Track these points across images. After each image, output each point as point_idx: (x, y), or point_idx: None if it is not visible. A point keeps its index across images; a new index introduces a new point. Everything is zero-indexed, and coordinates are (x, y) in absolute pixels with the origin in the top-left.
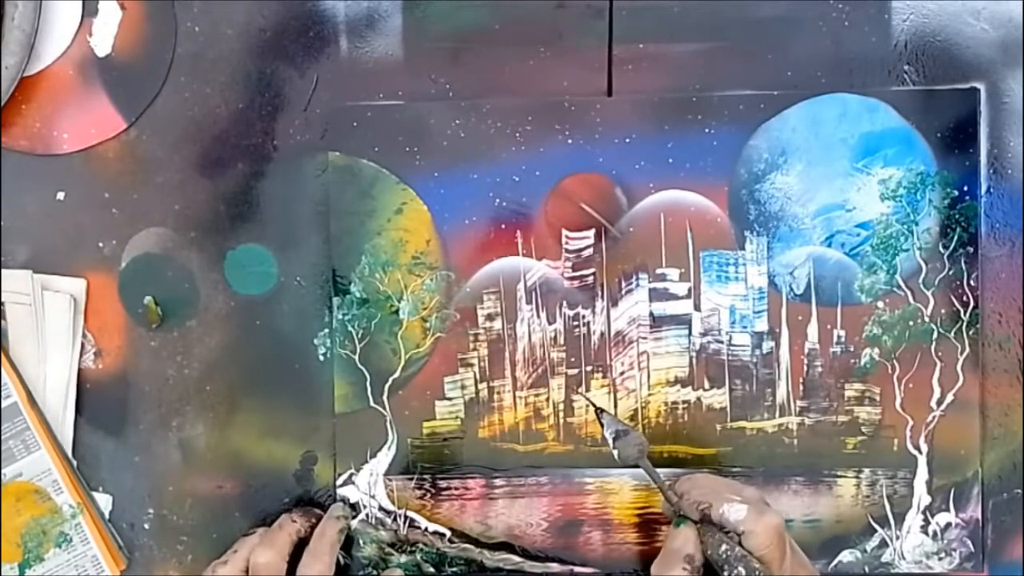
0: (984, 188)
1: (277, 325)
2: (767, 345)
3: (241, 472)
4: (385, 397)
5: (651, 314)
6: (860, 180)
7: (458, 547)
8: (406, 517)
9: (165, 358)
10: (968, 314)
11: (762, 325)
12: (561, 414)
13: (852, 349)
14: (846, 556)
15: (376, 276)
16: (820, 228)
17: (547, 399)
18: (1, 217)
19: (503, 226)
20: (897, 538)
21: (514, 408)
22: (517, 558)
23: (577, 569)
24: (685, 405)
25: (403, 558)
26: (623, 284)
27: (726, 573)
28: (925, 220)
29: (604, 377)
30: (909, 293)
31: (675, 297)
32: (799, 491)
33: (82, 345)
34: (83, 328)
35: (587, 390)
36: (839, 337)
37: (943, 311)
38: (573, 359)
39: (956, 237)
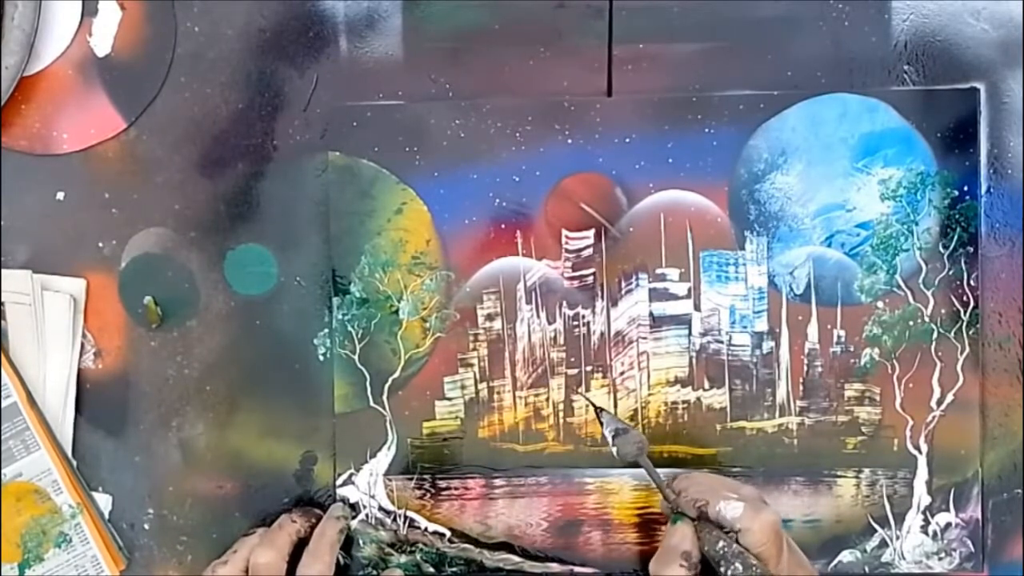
0: (984, 188)
1: (277, 325)
2: (767, 345)
3: (241, 472)
4: (385, 397)
5: (651, 314)
6: (860, 180)
7: (458, 547)
8: (406, 517)
9: (165, 358)
10: (968, 314)
11: (762, 325)
12: (561, 414)
13: (852, 349)
14: (846, 556)
15: (376, 276)
16: (820, 228)
17: (547, 399)
18: (1, 217)
19: (503, 226)
20: (897, 538)
21: (514, 408)
22: (517, 558)
23: (577, 569)
24: (685, 405)
25: (403, 558)
26: (623, 284)
27: (723, 569)
28: (925, 220)
29: (604, 377)
30: (909, 293)
31: (675, 297)
32: (799, 491)
33: (82, 345)
34: (83, 328)
35: (587, 390)
36: (839, 337)
37: (943, 311)
38: (573, 359)
39: (956, 237)
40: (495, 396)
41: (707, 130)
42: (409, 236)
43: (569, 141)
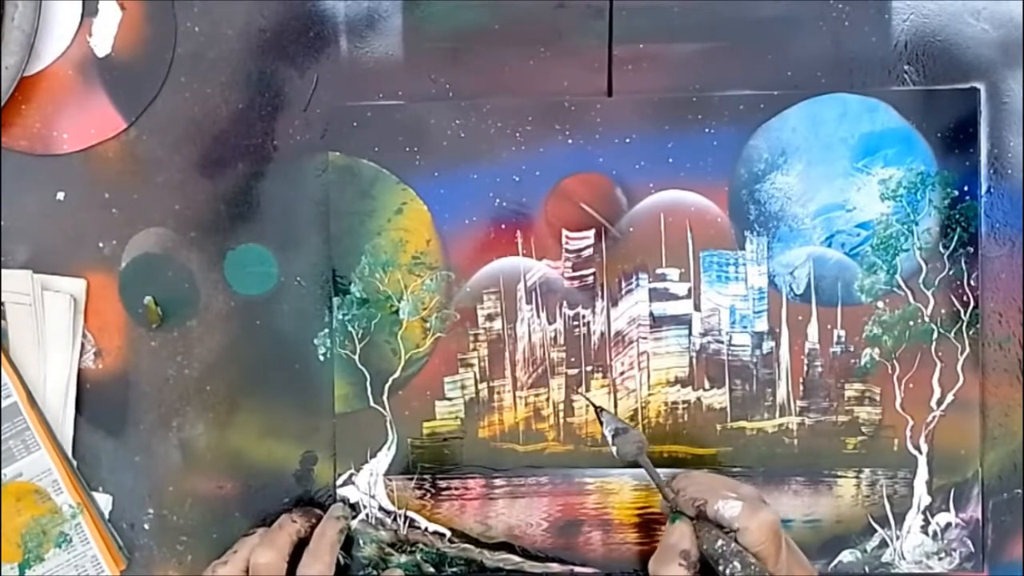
0: (984, 188)
1: (277, 325)
2: (767, 345)
3: (241, 472)
4: (385, 397)
5: (651, 314)
6: (860, 180)
7: (458, 547)
8: (406, 517)
9: (165, 358)
10: (968, 314)
11: (762, 325)
12: (561, 414)
13: (852, 349)
14: (846, 556)
15: (376, 276)
16: (820, 228)
17: (547, 399)
18: (1, 217)
19: (503, 226)
20: (897, 538)
21: (514, 408)
22: (517, 558)
23: (577, 569)
24: (685, 405)
25: (403, 558)
26: (623, 284)
27: (722, 568)
28: (925, 220)
29: (604, 377)
30: (909, 293)
31: (675, 297)
32: (799, 491)
33: (82, 345)
34: (83, 328)
35: (587, 390)
36: (839, 337)
37: (943, 311)
38: (573, 359)
39: (956, 237)
40: (495, 396)
41: (707, 130)
42: (409, 236)
43: (569, 141)
